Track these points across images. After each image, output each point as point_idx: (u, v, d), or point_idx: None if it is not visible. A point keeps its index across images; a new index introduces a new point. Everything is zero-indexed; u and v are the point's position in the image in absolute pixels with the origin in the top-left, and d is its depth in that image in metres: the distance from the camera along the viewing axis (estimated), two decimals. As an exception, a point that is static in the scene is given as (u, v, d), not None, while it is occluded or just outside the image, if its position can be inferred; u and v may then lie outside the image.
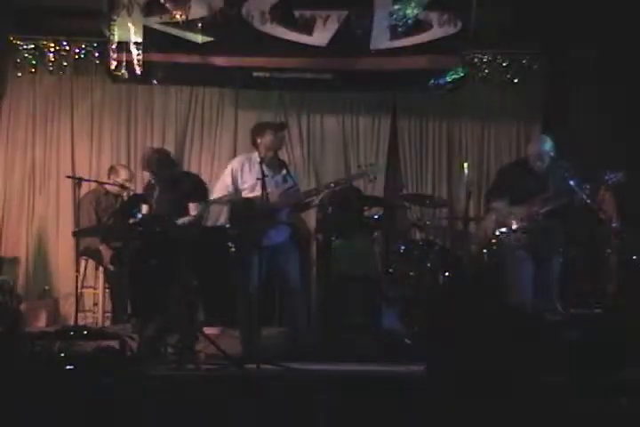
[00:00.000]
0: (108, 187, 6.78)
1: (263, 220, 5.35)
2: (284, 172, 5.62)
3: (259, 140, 5.61)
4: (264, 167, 5.41)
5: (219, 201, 5.73)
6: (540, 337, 4.41)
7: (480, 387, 3.92)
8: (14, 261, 7.29)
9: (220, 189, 5.66)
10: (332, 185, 5.64)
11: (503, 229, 5.73)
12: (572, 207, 5.69)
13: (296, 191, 5.59)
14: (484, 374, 3.97)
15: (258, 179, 5.25)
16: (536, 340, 4.26)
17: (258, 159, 5.44)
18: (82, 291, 6.56)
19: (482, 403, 3.85)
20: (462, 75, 7.10)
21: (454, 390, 3.92)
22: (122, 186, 6.72)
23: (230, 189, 5.56)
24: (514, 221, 5.65)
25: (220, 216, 7.54)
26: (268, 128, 5.69)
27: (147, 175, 6.46)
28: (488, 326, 4.29)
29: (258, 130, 5.70)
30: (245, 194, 5.45)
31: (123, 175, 6.80)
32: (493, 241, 5.82)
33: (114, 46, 6.80)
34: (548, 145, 5.78)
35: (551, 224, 5.71)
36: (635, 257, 6.49)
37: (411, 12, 6.85)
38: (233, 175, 5.57)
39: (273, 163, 5.59)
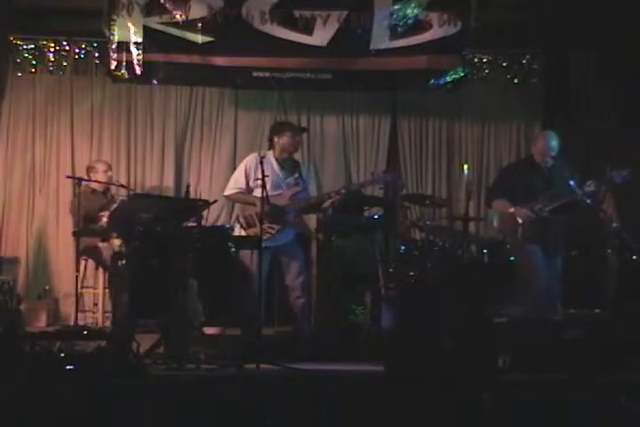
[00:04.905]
0: (93, 185, 6.72)
1: (270, 220, 5.35)
2: (297, 174, 5.61)
3: (276, 140, 5.60)
4: (277, 167, 5.42)
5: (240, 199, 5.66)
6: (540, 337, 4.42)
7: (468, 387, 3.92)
8: (14, 261, 7.27)
9: (232, 185, 5.64)
10: (343, 191, 5.63)
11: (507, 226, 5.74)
12: (574, 207, 5.68)
13: (304, 194, 5.57)
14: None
15: (259, 178, 5.22)
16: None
17: (272, 158, 5.45)
18: (82, 291, 6.56)
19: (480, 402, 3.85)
20: (462, 75, 7.10)
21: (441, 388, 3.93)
22: (122, 186, 6.75)
23: (242, 185, 5.54)
24: (519, 219, 5.63)
25: (220, 216, 7.59)
26: (288, 130, 5.67)
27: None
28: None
29: (277, 129, 5.70)
30: (256, 191, 5.37)
31: (101, 170, 6.75)
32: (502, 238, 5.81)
33: (114, 46, 6.78)
34: (554, 141, 5.75)
35: (555, 222, 5.70)
36: (635, 257, 6.49)
37: (411, 11, 6.86)
38: (246, 172, 5.55)
39: (287, 164, 5.58)
